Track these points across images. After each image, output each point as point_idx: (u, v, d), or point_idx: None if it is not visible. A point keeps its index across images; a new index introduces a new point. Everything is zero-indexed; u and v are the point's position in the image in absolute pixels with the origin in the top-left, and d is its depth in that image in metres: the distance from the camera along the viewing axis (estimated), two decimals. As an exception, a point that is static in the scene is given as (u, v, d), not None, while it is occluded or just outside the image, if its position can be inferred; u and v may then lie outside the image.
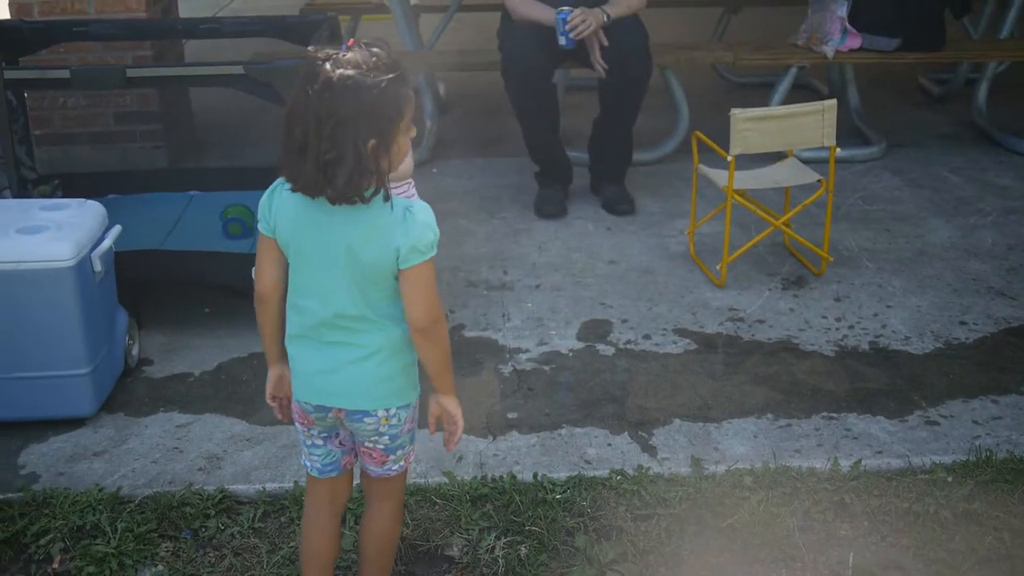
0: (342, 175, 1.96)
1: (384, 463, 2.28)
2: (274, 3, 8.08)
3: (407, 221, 2.05)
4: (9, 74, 3.65)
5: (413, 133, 2.08)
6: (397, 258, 2.05)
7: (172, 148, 5.32)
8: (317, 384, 2.19)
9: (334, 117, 1.94)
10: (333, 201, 2.01)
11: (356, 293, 2.10)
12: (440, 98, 5.90)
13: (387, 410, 2.19)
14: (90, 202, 3.34)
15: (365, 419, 2.20)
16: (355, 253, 2.07)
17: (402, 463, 2.30)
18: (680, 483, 2.91)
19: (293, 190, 2.06)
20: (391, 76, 1.97)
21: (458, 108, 6.23)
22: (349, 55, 1.97)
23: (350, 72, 1.94)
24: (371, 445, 2.26)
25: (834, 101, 4.00)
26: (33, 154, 4.11)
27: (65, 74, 3.51)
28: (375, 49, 1.99)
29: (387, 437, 2.24)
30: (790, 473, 2.94)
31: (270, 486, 2.92)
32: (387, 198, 2.04)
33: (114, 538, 2.71)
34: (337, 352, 2.15)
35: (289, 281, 2.18)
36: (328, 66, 1.95)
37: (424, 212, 2.08)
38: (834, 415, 3.24)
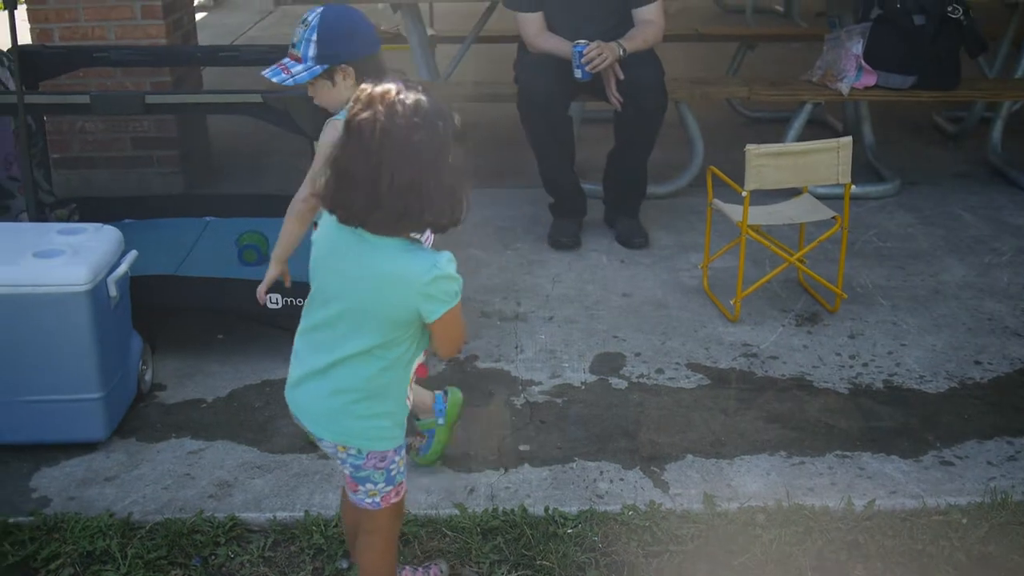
0: (427, 209, 2.05)
1: (355, 491, 2.28)
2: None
3: (432, 282, 2.05)
4: (29, 99, 3.68)
5: None
6: (419, 313, 2.08)
7: (189, 174, 5.35)
8: (290, 396, 2.25)
9: (420, 158, 2.11)
10: (387, 233, 2.05)
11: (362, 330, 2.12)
12: (456, 128, 5.90)
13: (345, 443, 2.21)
14: (107, 227, 3.35)
15: (321, 441, 2.24)
16: (375, 291, 2.09)
17: (376, 499, 2.27)
18: (692, 520, 2.89)
19: (348, 223, 2.06)
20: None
21: (473, 138, 6.23)
22: (410, 100, 2.12)
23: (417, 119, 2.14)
24: (340, 465, 2.26)
25: (849, 138, 4.00)
26: (51, 178, 4.14)
27: (85, 99, 3.54)
28: (421, 93, 2.12)
29: (348, 465, 2.24)
30: (803, 512, 2.92)
31: (281, 515, 2.91)
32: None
33: (124, 564, 2.70)
34: (313, 375, 2.20)
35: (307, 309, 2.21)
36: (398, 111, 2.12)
37: (449, 265, 2.08)
38: (848, 454, 3.22)
